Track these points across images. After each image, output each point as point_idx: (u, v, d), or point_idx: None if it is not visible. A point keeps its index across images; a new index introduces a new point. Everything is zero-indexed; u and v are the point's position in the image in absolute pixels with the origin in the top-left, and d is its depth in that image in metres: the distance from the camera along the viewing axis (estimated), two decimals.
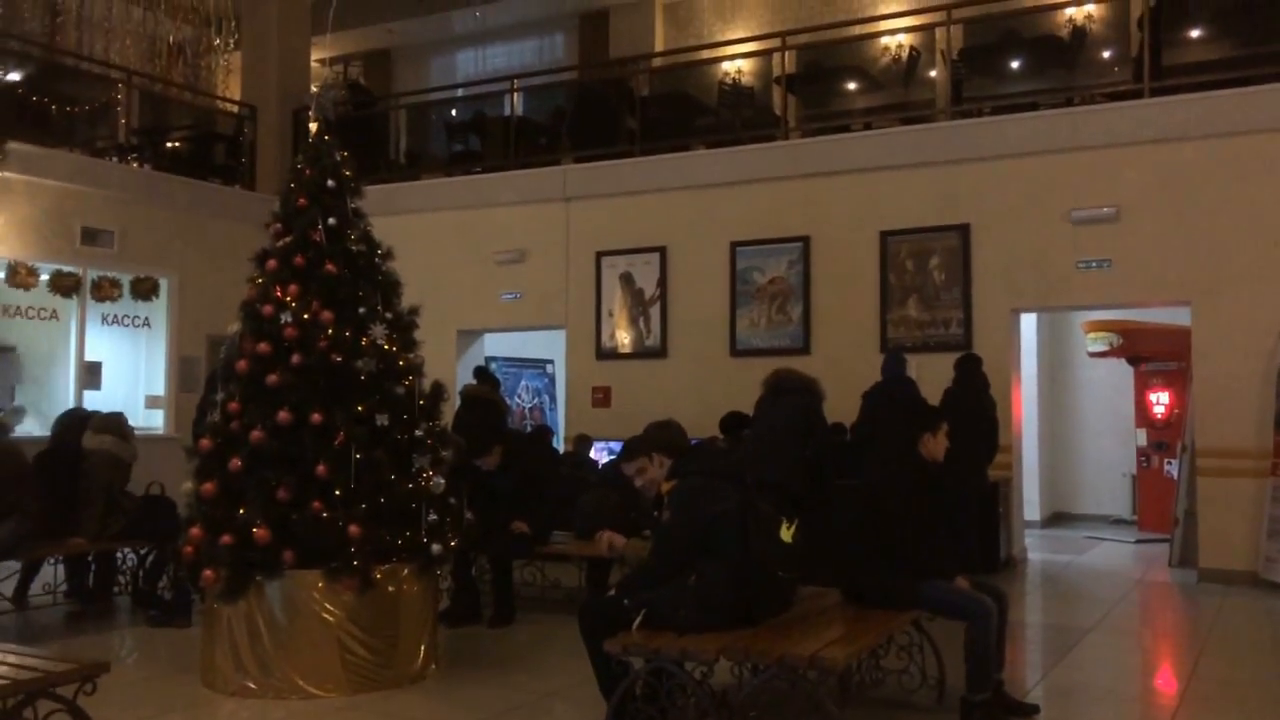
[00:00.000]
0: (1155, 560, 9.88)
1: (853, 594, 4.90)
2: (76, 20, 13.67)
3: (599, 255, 11.30)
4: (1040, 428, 12.43)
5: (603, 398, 11.18)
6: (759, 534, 4.30)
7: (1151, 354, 11.89)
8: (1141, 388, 12.05)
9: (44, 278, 10.64)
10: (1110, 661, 6.32)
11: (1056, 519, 12.92)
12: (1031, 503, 11.44)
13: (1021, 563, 9.69)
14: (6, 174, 9.95)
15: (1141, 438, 11.96)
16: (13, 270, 10.32)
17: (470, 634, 6.59)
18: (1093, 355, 12.47)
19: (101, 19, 13.76)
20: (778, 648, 4.06)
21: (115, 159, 11.91)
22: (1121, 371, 12.46)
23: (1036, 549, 10.52)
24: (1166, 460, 11.42)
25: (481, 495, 6.82)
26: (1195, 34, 9.70)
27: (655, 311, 11.03)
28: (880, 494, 4.93)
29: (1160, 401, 11.84)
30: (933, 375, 8.91)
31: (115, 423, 7.17)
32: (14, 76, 11.54)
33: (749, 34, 13.42)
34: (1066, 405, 13.37)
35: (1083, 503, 13.24)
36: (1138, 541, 11.19)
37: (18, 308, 10.73)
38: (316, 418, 5.20)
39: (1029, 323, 11.54)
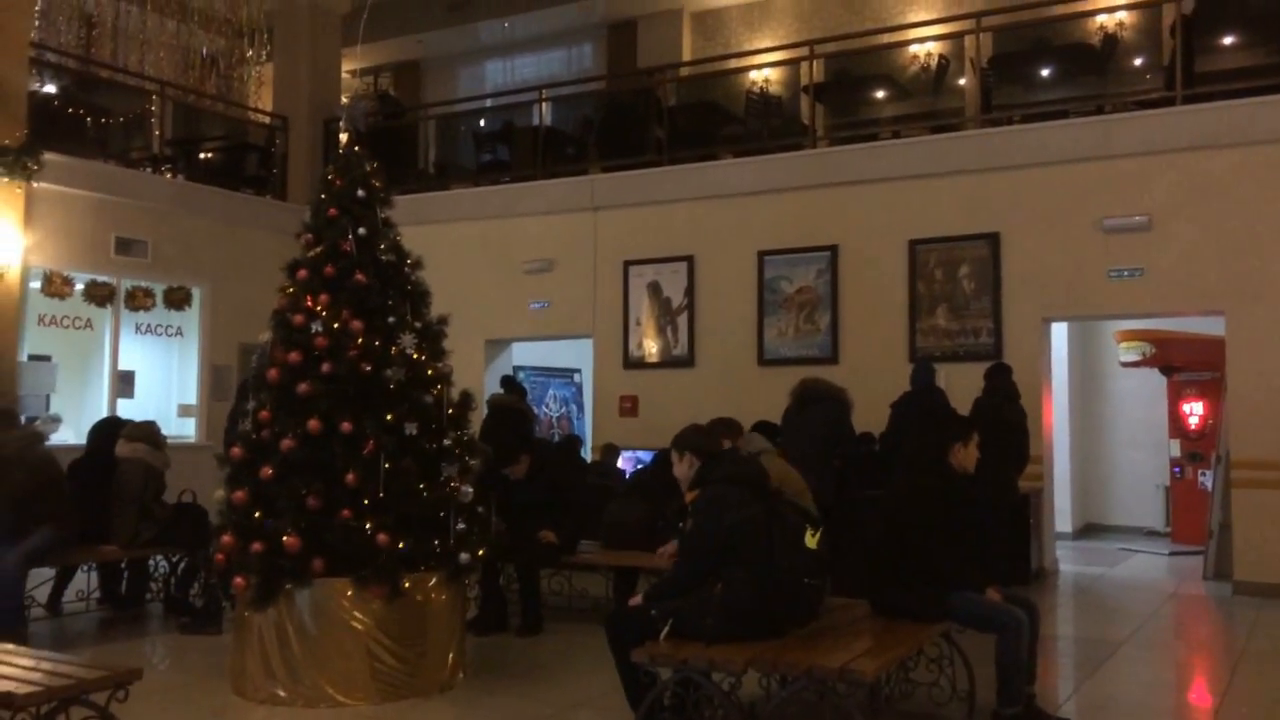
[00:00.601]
0: (1189, 573, 9.75)
1: (881, 605, 4.87)
2: (112, 32, 13.86)
3: (626, 264, 11.31)
4: (1072, 438, 12.31)
5: (630, 407, 11.18)
6: (783, 541, 4.29)
7: (1185, 364, 11.75)
8: (1175, 398, 11.91)
9: (79, 287, 10.78)
10: (1144, 676, 6.25)
11: (1088, 530, 12.78)
12: (1063, 514, 11.33)
13: (1053, 575, 9.59)
14: (42, 184, 10.09)
15: (1175, 448, 11.82)
16: (48, 280, 10.45)
17: (498, 643, 6.60)
18: (1125, 365, 12.34)
19: (136, 31, 13.94)
20: (806, 659, 4.04)
21: (149, 170, 12.05)
22: (1154, 381, 12.32)
23: (1068, 561, 10.41)
24: (1200, 471, 11.28)
25: (509, 504, 6.83)
26: (1228, 41, 9.60)
27: (683, 321, 11.03)
28: (909, 505, 4.89)
29: (1194, 412, 11.70)
30: (962, 385, 8.84)
31: (148, 431, 7.25)
32: (50, 88, 11.71)
33: (776, 43, 13.41)
34: (1098, 415, 13.24)
35: (1115, 514, 13.09)
36: (1171, 554, 11.05)
37: (53, 317, 10.88)
38: (346, 426, 5.24)
39: (1060, 332, 11.45)
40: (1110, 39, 9.92)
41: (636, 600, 4.58)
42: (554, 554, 7.09)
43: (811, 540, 4.42)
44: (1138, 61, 10.02)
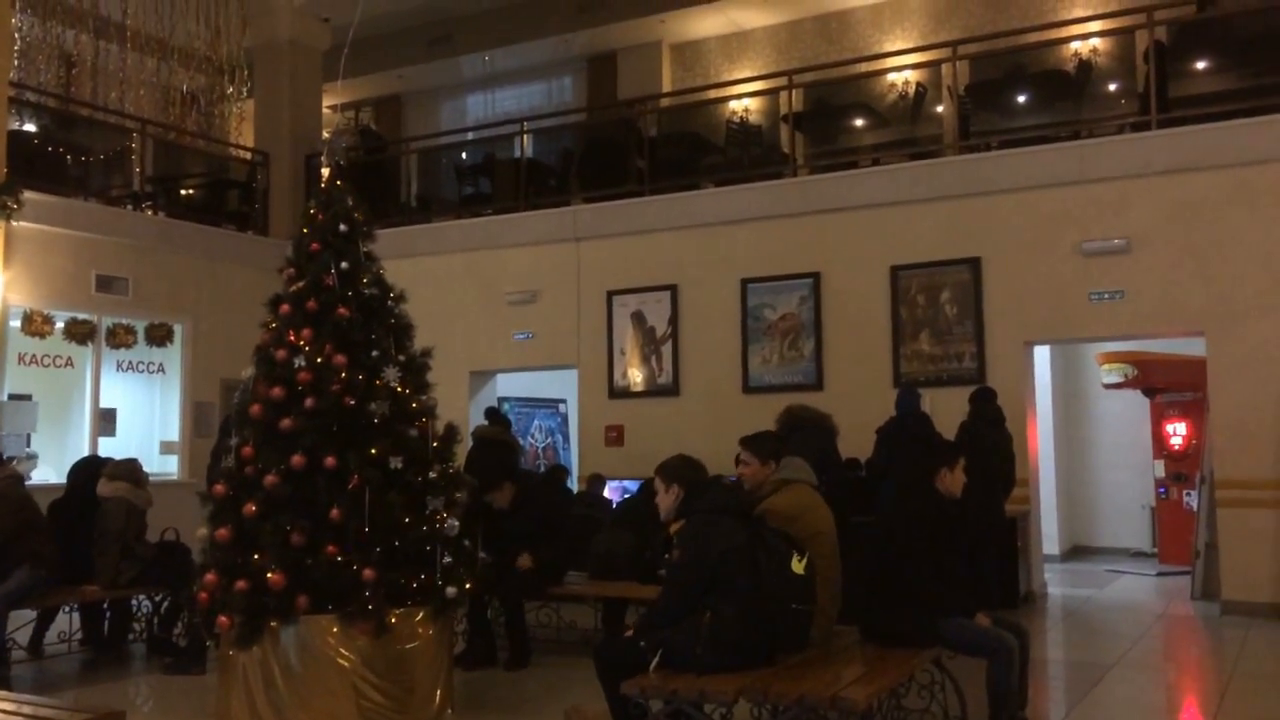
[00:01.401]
0: (1177, 593, 9.76)
1: (871, 632, 4.85)
2: (91, 71, 13.85)
3: (610, 294, 11.32)
4: (1057, 461, 12.34)
5: (616, 436, 11.16)
6: (770, 567, 4.28)
7: (1167, 385, 11.82)
8: (1158, 419, 11.97)
9: (59, 325, 10.71)
10: (1134, 698, 6.23)
11: (1076, 552, 12.79)
12: (1050, 537, 11.33)
13: (1041, 598, 9.59)
14: (22, 223, 10.04)
15: (1159, 469, 11.86)
16: (28, 318, 10.39)
17: (486, 677, 6.55)
18: (1108, 387, 12.41)
19: (116, 69, 13.94)
20: (797, 688, 4.01)
21: (130, 207, 12.02)
22: (1137, 403, 12.38)
23: (1056, 583, 10.41)
24: (1185, 492, 11.32)
25: (494, 536, 6.79)
26: (1201, 66, 9.74)
27: (667, 350, 11.03)
28: (898, 530, 4.89)
29: (1177, 432, 11.75)
30: (947, 409, 8.86)
31: (129, 469, 7.18)
32: (30, 127, 11.68)
33: (755, 73, 13.53)
34: (1083, 437, 13.28)
35: (1102, 536, 13.11)
36: (1158, 574, 11.07)
37: (33, 355, 10.80)
38: (330, 462, 5.19)
39: (1042, 355, 11.51)
40: (1085, 65, 10.05)
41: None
42: (536, 584, 7.04)
43: (799, 565, 4.41)
44: (1113, 87, 10.15)
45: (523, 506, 7.14)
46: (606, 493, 10.06)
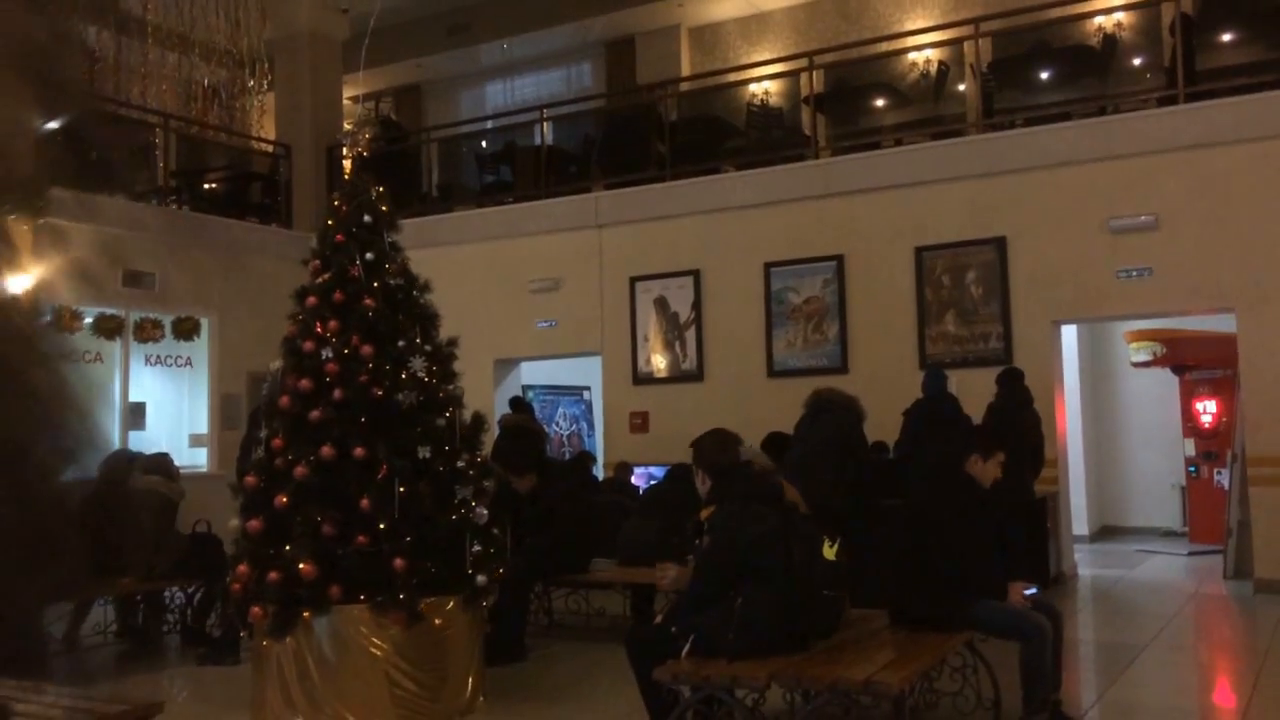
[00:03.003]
0: (1209, 572, 9.68)
1: (903, 615, 4.84)
2: (114, 66, 13.92)
3: (632, 280, 11.31)
4: (1085, 440, 12.25)
5: (641, 423, 11.16)
6: (801, 553, 4.28)
7: (1196, 362, 11.69)
8: (1187, 397, 11.85)
9: (87, 321, 10.80)
10: (1168, 678, 6.20)
11: (1106, 533, 12.71)
12: (1079, 517, 11.27)
13: (1072, 578, 9.53)
14: (49, 220, 10.11)
15: (1189, 448, 11.75)
16: (57, 315, 10.46)
17: (518, 666, 6.56)
18: (1136, 365, 12.29)
19: (138, 65, 14.00)
20: (830, 673, 4.01)
21: (155, 202, 12.09)
22: (1166, 381, 12.26)
23: (1086, 564, 10.35)
24: (1216, 470, 11.21)
25: (519, 523, 6.81)
26: (1228, 38, 9.59)
27: (691, 335, 11.02)
28: (928, 513, 4.86)
29: (1207, 410, 11.64)
30: (974, 390, 8.81)
31: (162, 463, 7.25)
32: (53, 124, 11.75)
33: (775, 55, 13.44)
34: (1111, 417, 13.18)
35: (1132, 515, 13.02)
36: (1190, 554, 10.98)
37: None
38: (359, 452, 5.22)
39: (1069, 334, 11.41)
40: (1110, 40, 9.92)
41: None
42: (542, 568, 7.01)
43: (829, 551, 4.40)
44: (1138, 61, 10.01)
45: (541, 494, 7.16)
46: (633, 479, 10.07)
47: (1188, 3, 9.40)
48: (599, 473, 10.83)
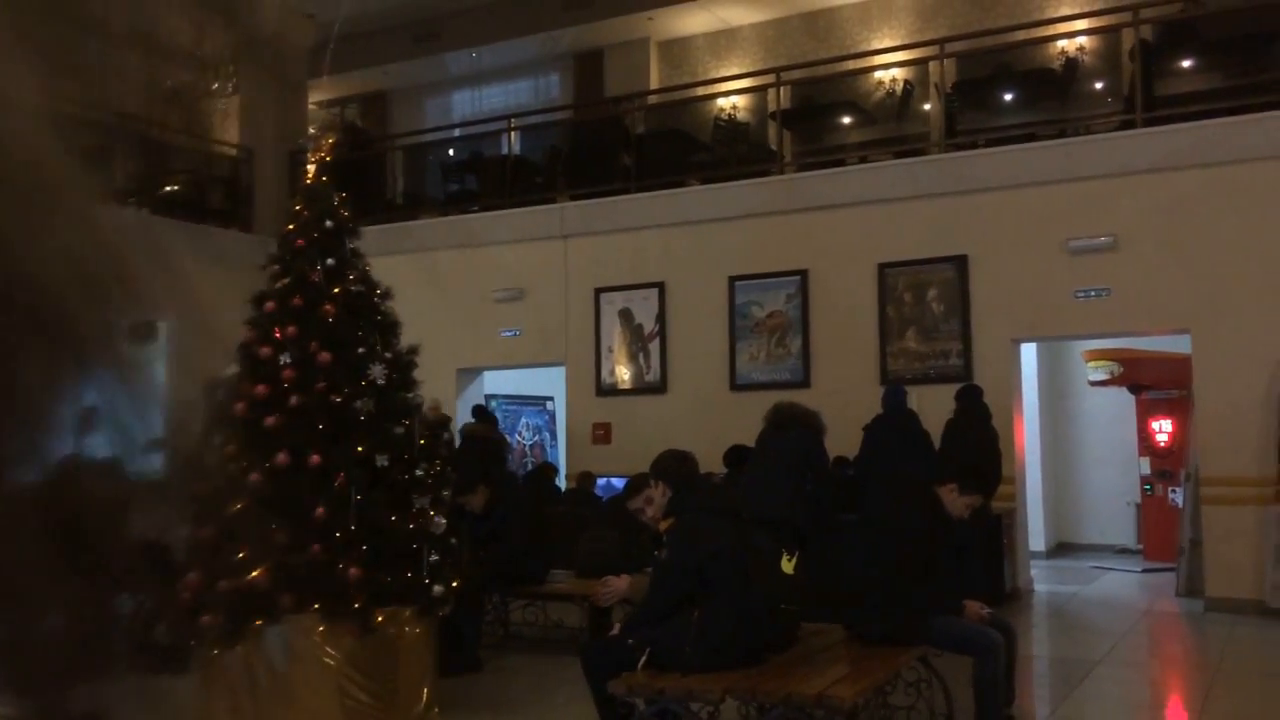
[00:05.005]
0: (1162, 590, 9.80)
1: (858, 630, 4.85)
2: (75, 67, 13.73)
3: (597, 292, 11.30)
4: (1043, 457, 12.37)
5: (604, 434, 11.15)
6: (759, 568, 4.27)
7: (1152, 382, 11.86)
8: (1143, 416, 12.01)
9: None
10: (1120, 695, 6.25)
11: (1061, 549, 12.83)
12: (1036, 533, 11.37)
13: (1027, 594, 9.61)
14: None
15: (1145, 466, 11.91)
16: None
17: (472, 677, 6.51)
18: (1093, 384, 12.44)
19: (95, 63, 13.83)
20: (784, 686, 4.00)
21: (113, 204, 11.92)
22: (1123, 400, 12.42)
23: (1042, 580, 10.44)
24: (1170, 488, 11.37)
25: (474, 536, 6.76)
26: (1186, 64, 9.78)
27: (655, 347, 11.02)
28: (891, 527, 4.88)
29: (1163, 429, 11.80)
30: (933, 407, 8.88)
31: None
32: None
33: (743, 70, 13.53)
34: (1068, 435, 13.32)
35: (1087, 532, 13.15)
36: (1144, 571, 11.12)
37: None
38: (315, 459, 5.16)
39: (1029, 352, 11.53)
40: (1071, 64, 10.08)
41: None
42: (494, 581, 6.98)
43: (788, 565, 4.41)
44: (1099, 85, 10.18)
45: (494, 509, 7.11)
46: (595, 490, 10.04)
47: (1147, 30, 9.57)
48: (561, 484, 10.80)
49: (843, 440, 8.53)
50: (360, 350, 5.51)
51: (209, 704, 5.14)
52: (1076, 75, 10.08)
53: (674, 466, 4.66)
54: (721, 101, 12.04)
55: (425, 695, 5.39)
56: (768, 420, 8.01)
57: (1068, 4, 12.24)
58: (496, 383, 13.04)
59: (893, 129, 11.10)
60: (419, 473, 5.47)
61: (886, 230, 10.02)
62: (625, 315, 11.19)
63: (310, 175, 5.92)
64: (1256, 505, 8.44)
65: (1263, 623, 8.03)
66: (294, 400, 5.26)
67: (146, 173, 11.91)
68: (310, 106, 14.69)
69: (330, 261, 5.57)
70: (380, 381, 5.48)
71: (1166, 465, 11.59)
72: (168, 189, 12.90)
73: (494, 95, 16.21)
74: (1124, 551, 12.47)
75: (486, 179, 12.79)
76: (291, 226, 5.72)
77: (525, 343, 11.72)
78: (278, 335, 5.42)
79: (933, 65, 10.65)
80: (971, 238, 9.69)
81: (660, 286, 11.01)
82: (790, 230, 10.46)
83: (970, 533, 7.73)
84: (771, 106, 11.34)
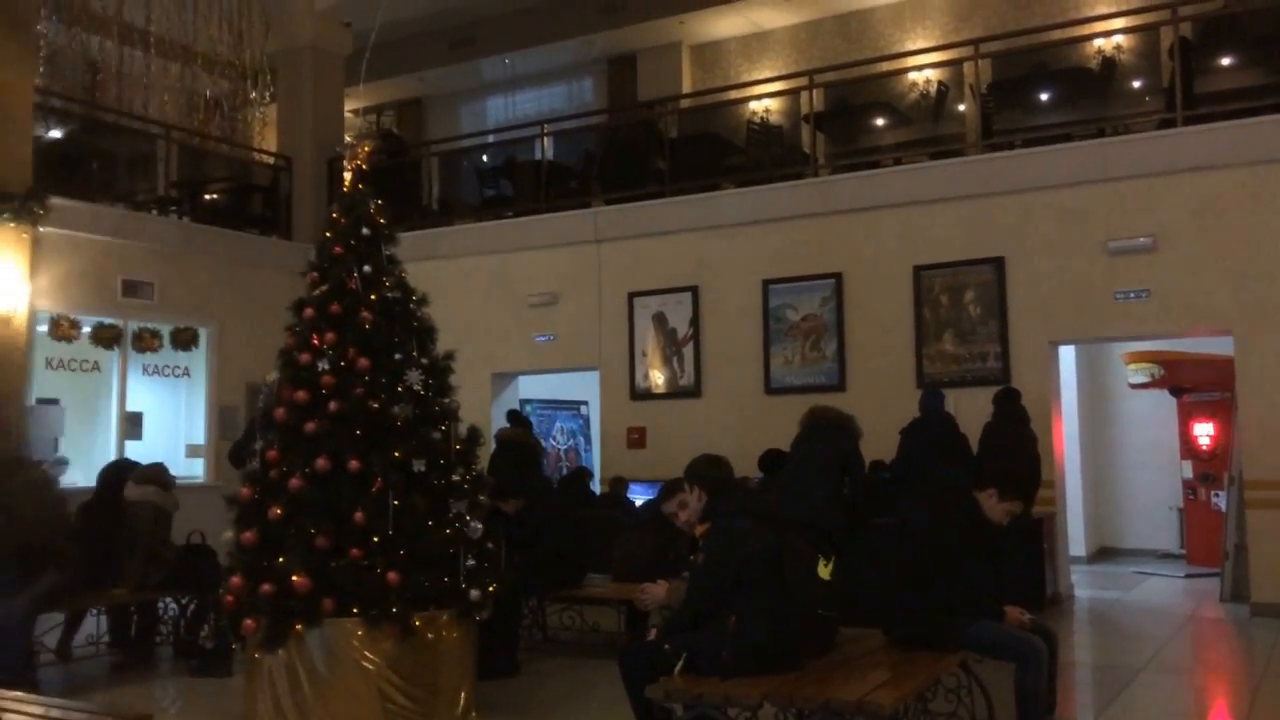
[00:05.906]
0: (1206, 595, 9.65)
1: (898, 635, 4.82)
2: (116, 76, 13.94)
3: (631, 296, 11.32)
4: (1083, 461, 12.24)
5: (638, 438, 11.15)
6: (796, 572, 4.25)
7: (1194, 384, 11.69)
8: (1185, 419, 11.85)
9: (86, 330, 10.79)
10: (1164, 702, 6.17)
11: (1103, 554, 12.68)
12: (1076, 538, 11.24)
13: (1068, 600, 9.50)
14: (48, 229, 10.13)
15: (1187, 470, 11.74)
16: (55, 323, 10.47)
17: (510, 681, 6.53)
18: (1134, 387, 12.28)
19: (140, 75, 14.03)
20: (823, 692, 3.98)
21: (155, 212, 12.11)
22: (1164, 403, 12.26)
23: (1083, 585, 10.32)
24: (1214, 492, 11.20)
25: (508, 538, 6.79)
26: (1226, 62, 9.63)
27: (689, 351, 11.01)
28: (930, 532, 4.85)
29: (1205, 433, 11.63)
30: (971, 410, 8.81)
31: (157, 474, 7.23)
32: (55, 133, 11.78)
33: (776, 73, 13.49)
34: (1109, 438, 13.16)
35: (1129, 537, 12.99)
36: (1187, 576, 10.95)
37: (60, 360, 10.88)
38: (354, 464, 5.21)
39: (1068, 355, 11.41)
40: (1109, 62, 9.96)
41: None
42: (533, 584, 7.00)
43: (825, 571, 4.39)
44: (1137, 84, 10.05)
45: (528, 516, 7.14)
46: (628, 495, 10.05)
47: (1186, 27, 9.44)
48: (596, 488, 10.81)
49: (879, 444, 8.47)
50: (397, 356, 5.57)
51: (252, 705, 5.20)
52: (1114, 74, 9.96)
53: (708, 471, 4.66)
54: (754, 104, 12.02)
55: (464, 699, 5.42)
56: (803, 425, 7.98)
57: (1104, 2, 12.11)
58: (531, 387, 13.09)
59: (927, 130, 11.02)
60: (456, 477, 5.51)
61: (922, 232, 9.96)
62: (659, 319, 11.19)
63: (347, 183, 5.98)
64: None
65: None
66: (333, 406, 5.31)
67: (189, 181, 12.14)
68: (347, 114, 14.82)
69: (367, 268, 5.64)
70: (417, 387, 5.53)
71: (1209, 469, 11.42)
72: (208, 197, 13.10)
73: (528, 100, 16.29)
74: (1166, 556, 12.29)
75: (521, 184, 12.85)
76: (329, 234, 5.78)
77: (560, 347, 11.75)
78: (316, 342, 5.48)
79: (967, 66, 10.57)
80: (1008, 239, 9.60)
81: (694, 290, 11.00)
82: (824, 233, 10.42)
83: (1009, 537, 7.69)
84: (804, 109, 11.30)
